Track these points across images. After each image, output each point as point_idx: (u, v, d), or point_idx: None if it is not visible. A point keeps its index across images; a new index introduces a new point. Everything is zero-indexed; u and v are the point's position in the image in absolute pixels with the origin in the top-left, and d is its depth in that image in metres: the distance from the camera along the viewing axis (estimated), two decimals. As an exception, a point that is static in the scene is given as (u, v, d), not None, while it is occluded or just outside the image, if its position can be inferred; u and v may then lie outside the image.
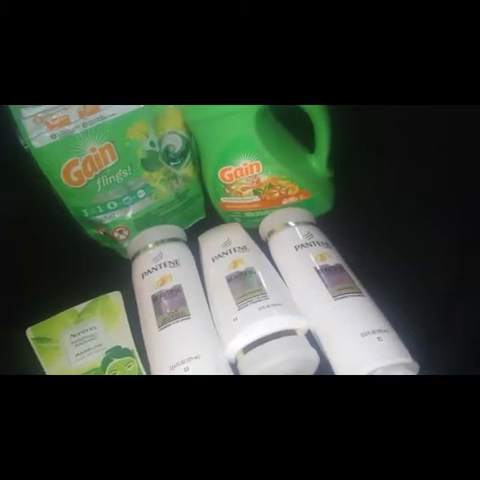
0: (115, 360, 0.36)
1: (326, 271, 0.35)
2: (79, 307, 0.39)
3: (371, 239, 0.41)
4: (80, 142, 0.36)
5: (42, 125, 0.35)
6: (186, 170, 0.43)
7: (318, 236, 0.39)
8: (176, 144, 0.42)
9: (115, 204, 0.41)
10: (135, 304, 0.37)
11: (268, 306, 0.33)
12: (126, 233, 0.43)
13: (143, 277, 0.37)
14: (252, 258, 0.37)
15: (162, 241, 0.39)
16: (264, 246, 0.40)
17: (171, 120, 0.40)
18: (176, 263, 0.37)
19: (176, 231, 0.41)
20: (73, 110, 0.35)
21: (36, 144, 0.35)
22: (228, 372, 0.32)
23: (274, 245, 0.40)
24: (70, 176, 0.37)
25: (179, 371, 0.30)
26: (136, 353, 0.36)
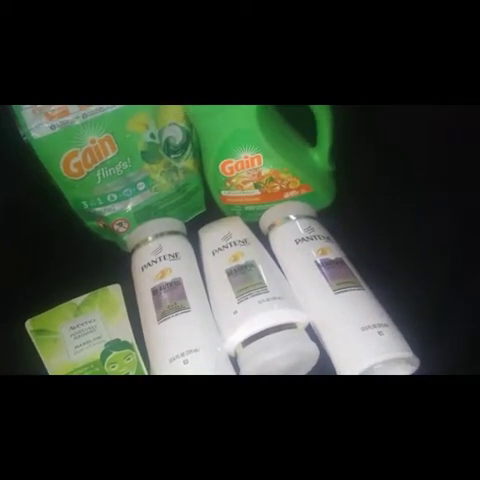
0: (114, 353, 0.35)
1: (327, 265, 0.35)
2: (78, 299, 0.39)
3: (372, 233, 0.41)
4: (80, 133, 0.36)
5: (41, 116, 0.35)
6: (187, 163, 0.43)
7: (319, 230, 0.38)
8: (177, 136, 0.41)
9: (115, 196, 0.41)
10: (135, 297, 0.37)
11: (268, 299, 0.33)
12: (126, 226, 0.42)
13: (143, 270, 0.37)
14: (252, 251, 0.37)
15: (162, 234, 0.39)
16: (265, 240, 0.40)
17: (172, 112, 0.40)
18: (176, 256, 0.37)
19: (176, 224, 0.41)
20: (73, 101, 0.35)
21: (35, 135, 0.35)
22: (227, 366, 0.32)
23: (275, 239, 0.39)
24: (70, 168, 0.37)
25: (178, 364, 0.30)
26: (135, 346, 0.36)
